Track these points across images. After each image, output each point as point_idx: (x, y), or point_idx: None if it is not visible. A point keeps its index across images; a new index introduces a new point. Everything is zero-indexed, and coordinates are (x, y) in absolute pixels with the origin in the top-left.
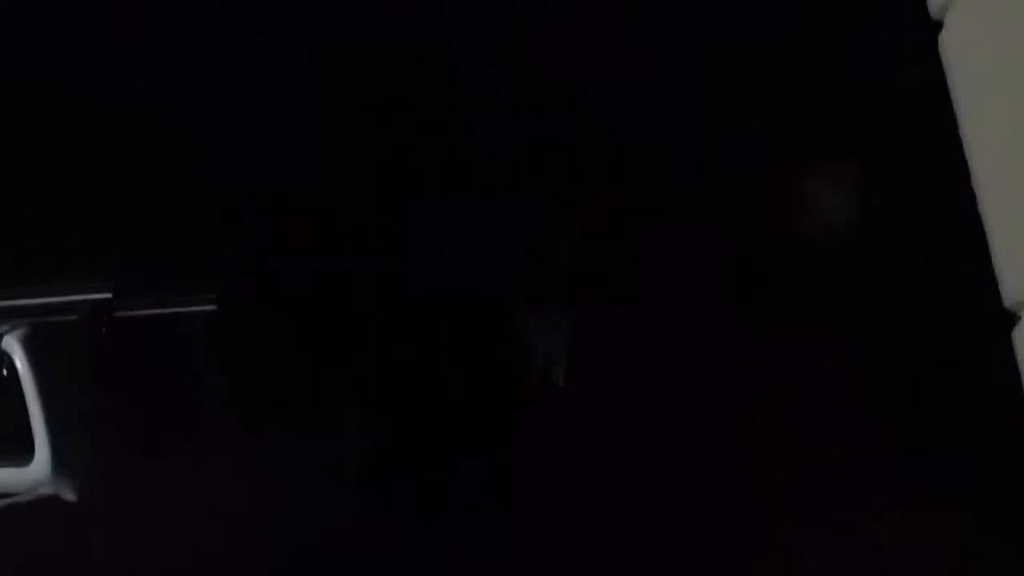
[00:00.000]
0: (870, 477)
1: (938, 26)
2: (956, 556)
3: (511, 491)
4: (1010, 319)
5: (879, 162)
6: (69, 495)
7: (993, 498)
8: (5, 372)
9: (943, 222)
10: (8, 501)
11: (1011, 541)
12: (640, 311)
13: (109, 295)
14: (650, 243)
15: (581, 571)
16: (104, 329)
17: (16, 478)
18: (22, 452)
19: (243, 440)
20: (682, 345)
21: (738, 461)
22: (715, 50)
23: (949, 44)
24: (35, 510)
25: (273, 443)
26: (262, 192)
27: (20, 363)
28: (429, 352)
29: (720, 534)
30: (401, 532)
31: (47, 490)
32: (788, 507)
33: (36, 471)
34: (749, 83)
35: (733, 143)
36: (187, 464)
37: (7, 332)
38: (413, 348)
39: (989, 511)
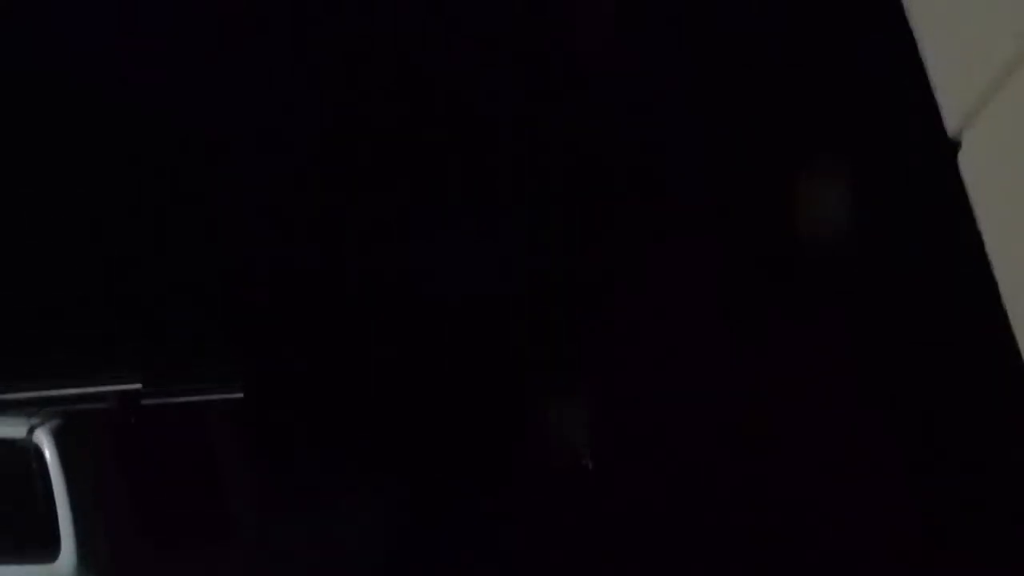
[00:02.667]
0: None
1: (957, 145)
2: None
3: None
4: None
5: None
6: None
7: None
8: (34, 465)
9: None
10: None
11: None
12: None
13: (138, 385)
14: (654, 251)
15: None
16: (133, 419)
17: None
18: (48, 549)
19: (269, 529)
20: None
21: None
22: (726, 89)
23: (968, 163)
24: None
25: (300, 530)
26: (287, 278)
27: (50, 457)
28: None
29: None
30: None
31: None
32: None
33: (62, 569)
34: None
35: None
36: (213, 556)
37: (39, 425)
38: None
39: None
